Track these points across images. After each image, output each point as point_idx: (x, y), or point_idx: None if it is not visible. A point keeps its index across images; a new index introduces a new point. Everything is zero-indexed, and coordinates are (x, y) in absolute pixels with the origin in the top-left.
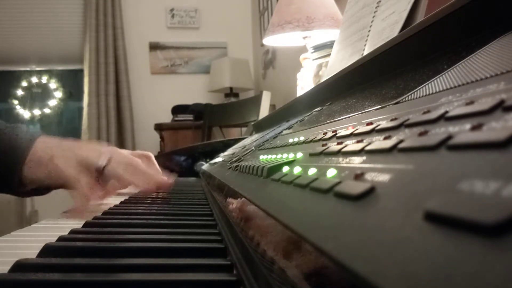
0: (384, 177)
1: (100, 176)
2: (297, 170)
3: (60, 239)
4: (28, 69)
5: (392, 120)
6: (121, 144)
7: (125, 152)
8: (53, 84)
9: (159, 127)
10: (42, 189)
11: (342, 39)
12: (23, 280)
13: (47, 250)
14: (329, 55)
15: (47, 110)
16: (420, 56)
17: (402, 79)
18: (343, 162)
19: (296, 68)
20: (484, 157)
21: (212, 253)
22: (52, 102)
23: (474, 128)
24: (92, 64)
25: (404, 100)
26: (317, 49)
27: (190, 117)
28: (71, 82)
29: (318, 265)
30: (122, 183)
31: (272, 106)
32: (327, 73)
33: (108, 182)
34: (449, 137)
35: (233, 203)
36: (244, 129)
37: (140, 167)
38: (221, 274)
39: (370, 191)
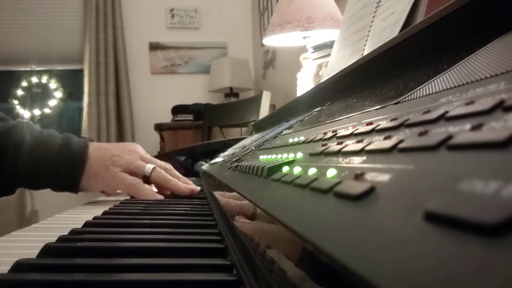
0: (384, 177)
1: (146, 181)
2: (297, 170)
3: (60, 239)
4: (28, 69)
5: (392, 120)
6: None
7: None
8: (53, 84)
9: (159, 127)
10: None
11: (342, 39)
12: (23, 280)
13: (47, 250)
14: (329, 55)
15: (47, 110)
16: (420, 56)
17: (402, 79)
18: (343, 162)
19: (296, 68)
20: (484, 157)
21: (212, 253)
22: (52, 102)
23: (474, 128)
24: (92, 64)
25: (404, 100)
26: (317, 49)
27: (190, 117)
28: (71, 82)
29: (317, 265)
30: (167, 185)
31: (272, 106)
32: (327, 73)
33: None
34: (449, 137)
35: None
36: (244, 129)
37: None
38: (221, 274)
39: (370, 191)
